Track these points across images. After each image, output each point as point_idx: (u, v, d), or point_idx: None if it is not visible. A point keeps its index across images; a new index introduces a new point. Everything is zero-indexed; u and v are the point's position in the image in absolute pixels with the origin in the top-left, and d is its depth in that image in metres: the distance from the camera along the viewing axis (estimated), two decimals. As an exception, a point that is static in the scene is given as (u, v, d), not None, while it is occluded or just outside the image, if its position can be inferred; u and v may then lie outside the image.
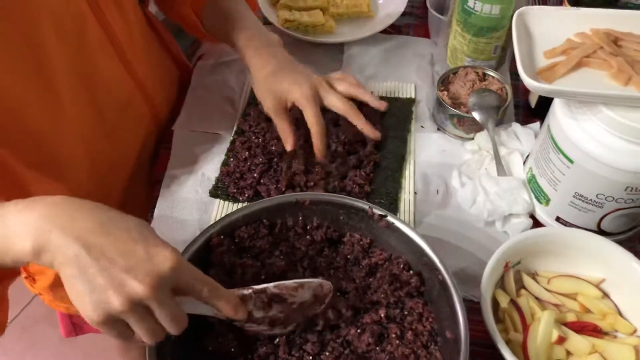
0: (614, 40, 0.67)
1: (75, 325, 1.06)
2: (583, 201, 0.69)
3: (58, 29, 0.65)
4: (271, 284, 0.57)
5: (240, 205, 0.79)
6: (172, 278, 0.48)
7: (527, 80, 0.63)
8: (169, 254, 0.48)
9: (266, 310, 0.57)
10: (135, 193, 0.90)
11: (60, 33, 0.65)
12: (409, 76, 0.98)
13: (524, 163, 0.80)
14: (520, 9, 0.71)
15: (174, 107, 0.97)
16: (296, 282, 0.58)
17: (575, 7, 0.75)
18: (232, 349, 0.60)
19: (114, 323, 0.48)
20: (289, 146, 0.78)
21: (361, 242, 0.67)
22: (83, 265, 0.47)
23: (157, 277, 0.46)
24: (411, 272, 0.64)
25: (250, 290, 0.56)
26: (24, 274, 0.89)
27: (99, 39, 0.72)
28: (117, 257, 0.47)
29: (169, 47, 0.97)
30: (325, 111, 0.88)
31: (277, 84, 0.77)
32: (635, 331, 0.63)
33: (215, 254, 0.63)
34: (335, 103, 0.77)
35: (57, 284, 0.87)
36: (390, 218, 0.64)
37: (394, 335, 0.60)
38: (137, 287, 0.46)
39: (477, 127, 0.84)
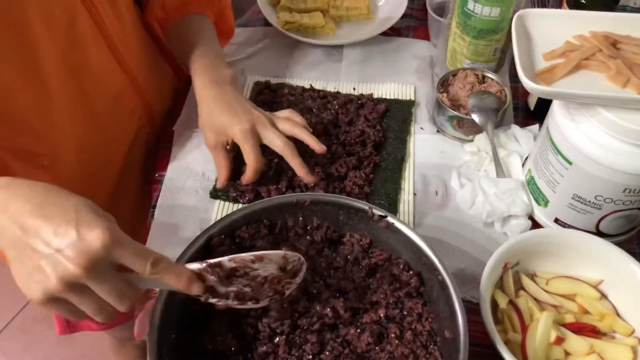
0: (613, 43, 0.67)
1: (69, 322, 1.06)
2: (581, 203, 0.69)
3: (47, 20, 0.65)
4: (226, 257, 0.54)
5: (240, 205, 0.80)
6: (106, 256, 0.47)
7: (527, 82, 0.63)
8: (101, 233, 0.47)
9: (228, 285, 0.55)
10: (127, 188, 0.90)
11: (49, 24, 0.65)
12: (408, 78, 0.98)
13: (523, 165, 0.81)
14: (520, 11, 0.71)
15: (170, 107, 0.97)
16: (253, 255, 0.55)
17: (574, 10, 0.76)
18: (232, 348, 0.61)
19: (59, 302, 0.49)
20: (220, 182, 0.78)
21: (361, 243, 0.67)
22: (21, 247, 0.48)
23: (88, 256, 0.46)
24: (411, 272, 0.64)
25: (204, 264, 0.53)
26: None
27: (89, 31, 0.72)
28: (50, 238, 0.47)
29: (163, 48, 0.97)
30: (323, 112, 0.89)
31: (217, 119, 0.76)
32: (633, 332, 0.64)
33: (216, 254, 0.63)
34: (272, 140, 0.75)
35: None
36: (390, 219, 0.64)
37: (393, 335, 0.61)
38: (70, 268, 0.46)
39: (477, 129, 0.84)
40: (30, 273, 0.48)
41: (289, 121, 0.78)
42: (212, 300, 0.55)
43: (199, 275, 0.53)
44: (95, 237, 0.47)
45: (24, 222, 0.48)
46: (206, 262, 0.54)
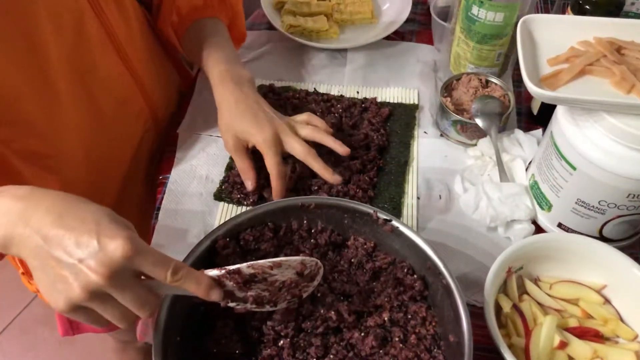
0: (617, 49, 0.67)
1: (72, 323, 1.06)
2: (585, 208, 0.69)
3: (55, 22, 0.65)
4: (244, 264, 0.55)
5: (244, 208, 0.80)
6: (127, 266, 0.48)
7: (531, 88, 0.63)
8: (122, 243, 0.48)
9: (247, 290, 0.55)
10: (132, 191, 0.90)
11: (57, 26, 0.65)
12: (412, 82, 0.99)
13: (526, 169, 0.81)
14: (525, 16, 0.72)
15: (175, 110, 0.97)
16: (271, 261, 0.56)
17: (578, 16, 0.76)
18: (236, 351, 0.61)
19: (82, 311, 0.50)
20: (250, 185, 0.78)
21: (365, 246, 0.68)
22: (43, 257, 0.49)
23: (110, 266, 0.47)
24: (415, 276, 0.64)
25: (223, 271, 0.54)
26: (20, 270, 0.89)
27: (97, 34, 0.72)
28: (73, 248, 0.48)
29: (171, 52, 0.97)
30: (327, 116, 0.89)
31: (239, 125, 0.76)
32: (636, 337, 0.64)
33: (221, 256, 0.63)
34: (294, 147, 0.76)
35: None
36: (395, 222, 0.64)
37: (397, 339, 0.61)
38: (93, 277, 0.47)
39: (480, 133, 0.85)
40: (54, 283, 0.49)
41: (308, 127, 0.79)
42: (231, 304, 0.56)
43: (217, 281, 0.54)
44: (116, 247, 0.48)
45: (46, 233, 0.49)
46: (225, 268, 0.54)
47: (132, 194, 0.90)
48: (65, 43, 0.67)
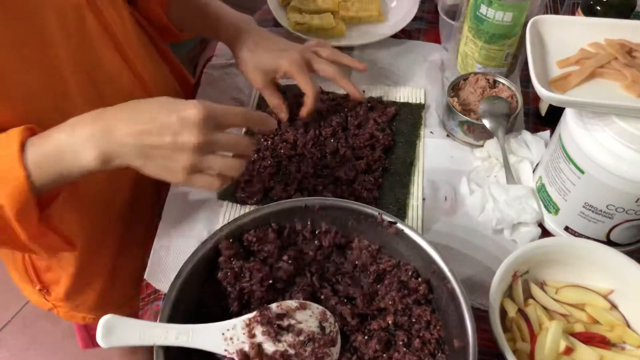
0: (628, 51, 0.66)
1: (92, 337, 1.06)
2: (593, 212, 0.69)
3: (60, 20, 0.66)
4: (273, 304, 0.59)
5: (248, 207, 0.79)
6: (208, 122, 0.59)
7: (540, 90, 0.62)
8: (193, 108, 0.58)
9: (276, 341, 0.57)
10: (144, 185, 0.90)
11: (63, 25, 0.66)
12: (418, 81, 0.98)
13: (534, 172, 0.80)
14: (535, 17, 0.71)
15: None
16: (297, 302, 0.60)
17: (589, 17, 0.75)
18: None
19: (198, 175, 0.61)
20: (283, 117, 0.85)
21: (369, 248, 0.67)
22: (144, 153, 0.59)
23: (196, 126, 0.58)
24: (419, 279, 0.64)
25: (255, 312, 0.58)
26: (37, 286, 0.88)
27: (97, 32, 0.73)
28: (162, 132, 0.58)
29: (164, 54, 0.98)
30: (332, 115, 0.88)
31: (264, 59, 0.82)
32: (643, 343, 0.63)
33: (224, 257, 0.63)
34: (324, 67, 0.83)
35: (73, 291, 0.88)
36: (400, 225, 0.64)
37: (401, 343, 0.60)
38: (189, 142, 0.58)
39: (487, 134, 0.84)
40: (164, 165, 0.59)
41: (326, 48, 0.86)
42: None
43: (249, 329, 0.58)
44: (191, 112, 0.58)
45: (135, 135, 0.58)
46: (257, 310, 0.59)
47: (145, 187, 0.90)
48: (72, 41, 0.68)
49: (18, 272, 0.88)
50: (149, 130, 0.58)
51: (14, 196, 0.56)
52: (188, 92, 1.02)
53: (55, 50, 0.65)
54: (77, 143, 0.58)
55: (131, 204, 0.88)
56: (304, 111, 0.83)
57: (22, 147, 0.57)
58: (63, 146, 0.58)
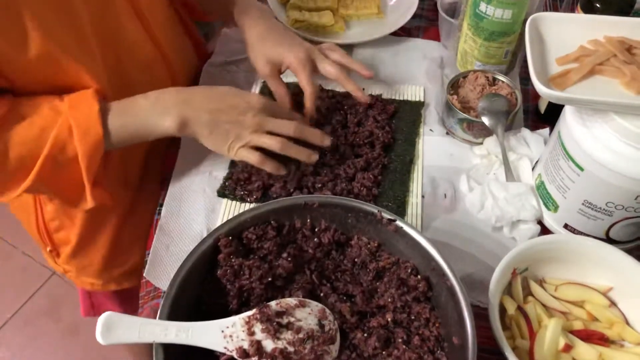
0: (628, 48, 0.66)
1: (94, 305, 1.08)
2: (592, 209, 0.69)
3: None
4: (273, 302, 0.59)
5: (248, 205, 0.79)
6: (265, 107, 0.74)
7: (540, 88, 0.62)
8: (256, 97, 0.75)
9: (275, 339, 0.57)
10: (154, 157, 0.92)
11: None
12: (418, 79, 0.98)
13: (533, 169, 0.80)
14: (534, 15, 0.71)
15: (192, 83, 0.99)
16: (297, 300, 0.60)
17: (588, 14, 0.75)
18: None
19: (249, 152, 0.73)
20: (286, 106, 0.86)
21: (369, 246, 0.67)
22: (213, 124, 0.72)
23: (256, 108, 0.73)
24: (419, 276, 0.64)
25: (255, 310, 0.58)
26: (48, 247, 0.92)
27: (120, 1, 0.75)
28: (231, 111, 0.73)
29: (186, 24, 0.99)
30: (332, 113, 0.88)
31: (272, 49, 0.84)
32: (642, 341, 0.63)
33: (223, 254, 0.63)
34: (328, 69, 0.84)
35: (79, 249, 0.91)
36: (399, 222, 0.64)
37: (400, 340, 0.60)
38: (250, 120, 0.73)
39: (487, 131, 0.84)
40: (225, 138, 0.73)
41: (336, 51, 0.88)
42: None
43: (248, 327, 0.57)
44: (254, 99, 0.74)
45: (209, 108, 0.72)
46: (257, 307, 0.59)
47: (153, 170, 0.91)
48: (94, 8, 0.70)
49: (33, 234, 0.92)
50: (220, 108, 0.72)
51: (90, 149, 0.67)
52: (203, 59, 1.02)
53: (81, 17, 0.67)
54: (162, 108, 0.71)
55: (141, 175, 0.91)
56: (305, 112, 0.84)
57: (100, 107, 0.68)
58: (148, 109, 0.71)
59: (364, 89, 0.95)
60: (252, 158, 0.73)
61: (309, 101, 0.83)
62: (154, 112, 0.71)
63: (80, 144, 0.66)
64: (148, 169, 0.92)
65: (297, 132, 0.75)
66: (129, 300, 1.05)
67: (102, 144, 0.68)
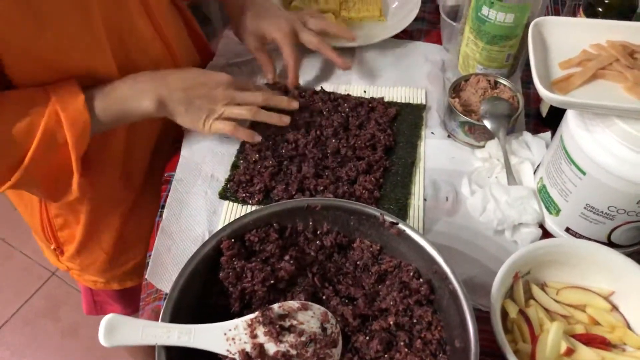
0: (630, 53, 0.66)
1: (96, 302, 1.08)
2: (594, 213, 0.69)
3: None
4: (275, 305, 0.59)
5: (250, 207, 0.79)
6: (233, 82, 0.82)
7: (543, 91, 0.63)
8: (226, 75, 0.82)
9: (278, 342, 0.57)
10: (160, 157, 0.93)
11: None
12: (420, 82, 0.98)
13: (535, 172, 0.80)
14: (537, 19, 0.71)
15: None
16: (299, 302, 0.60)
17: (591, 19, 0.75)
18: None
19: (223, 122, 0.80)
20: (270, 76, 0.95)
21: (371, 249, 0.67)
22: (187, 101, 0.78)
23: (224, 84, 0.81)
24: (421, 280, 0.64)
25: (258, 312, 0.58)
26: (52, 245, 0.92)
27: None
28: (202, 88, 0.79)
29: (192, 28, 1.01)
30: (334, 115, 0.88)
31: (260, 26, 0.91)
32: (644, 345, 0.63)
33: (225, 257, 0.63)
34: (310, 38, 0.92)
35: (83, 247, 0.92)
36: (401, 225, 0.64)
37: (402, 343, 0.60)
38: (220, 94, 0.80)
39: (488, 135, 0.84)
40: (198, 114, 0.79)
41: (315, 18, 0.95)
42: None
43: (251, 329, 0.57)
44: (222, 76, 0.81)
45: (184, 88, 0.78)
46: (259, 310, 0.59)
47: (159, 165, 0.91)
48: (106, 4, 0.71)
49: (36, 232, 0.93)
50: (192, 85, 0.78)
51: (79, 135, 0.69)
52: (207, 62, 1.04)
53: (93, 12, 0.68)
54: (139, 90, 0.75)
55: (145, 174, 0.92)
56: (289, 83, 0.92)
57: (85, 95, 0.70)
58: (127, 93, 0.74)
59: (365, 92, 0.96)
60: (226, 128, 0.80)
61: (291, 72, 0.91)
62: (133, 94, 0.74)
63: (69, 132, 0.68)
64: (152, 169, 0.93)
65: (265, 100, 0.82)
66: (131, 299, 1.06)
67: (89, 130, 0.70)
